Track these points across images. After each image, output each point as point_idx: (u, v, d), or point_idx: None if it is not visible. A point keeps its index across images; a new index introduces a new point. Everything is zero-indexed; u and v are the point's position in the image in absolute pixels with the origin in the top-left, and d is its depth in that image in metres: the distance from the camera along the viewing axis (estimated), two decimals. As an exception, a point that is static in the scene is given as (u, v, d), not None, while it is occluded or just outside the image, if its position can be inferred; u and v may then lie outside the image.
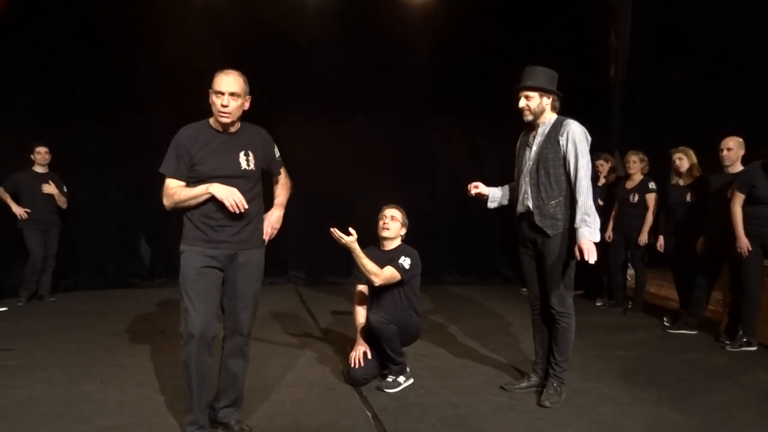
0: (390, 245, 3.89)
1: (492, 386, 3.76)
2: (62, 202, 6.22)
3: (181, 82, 6.78)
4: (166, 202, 2.88)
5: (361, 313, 3.97)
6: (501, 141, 7.32)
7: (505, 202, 3.79)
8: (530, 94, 3.46)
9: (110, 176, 7.00)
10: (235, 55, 6.73)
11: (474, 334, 5.08)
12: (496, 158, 7.34)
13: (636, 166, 5.83)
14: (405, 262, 3.76)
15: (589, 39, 7.17)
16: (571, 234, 3.37)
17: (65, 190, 6.28)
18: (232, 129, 2.91)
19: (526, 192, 3.50)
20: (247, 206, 2.80)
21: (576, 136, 3.36)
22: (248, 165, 2.89)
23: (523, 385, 3.69)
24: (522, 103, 3.48)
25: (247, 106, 2.90)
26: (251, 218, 2.94)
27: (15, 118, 6.26)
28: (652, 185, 5.76)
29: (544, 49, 7.21)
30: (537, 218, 3.44)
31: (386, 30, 7.24)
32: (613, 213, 6.07)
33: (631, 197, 5.85)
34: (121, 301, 6.25)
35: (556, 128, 3.44)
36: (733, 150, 4.85)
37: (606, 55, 6.96)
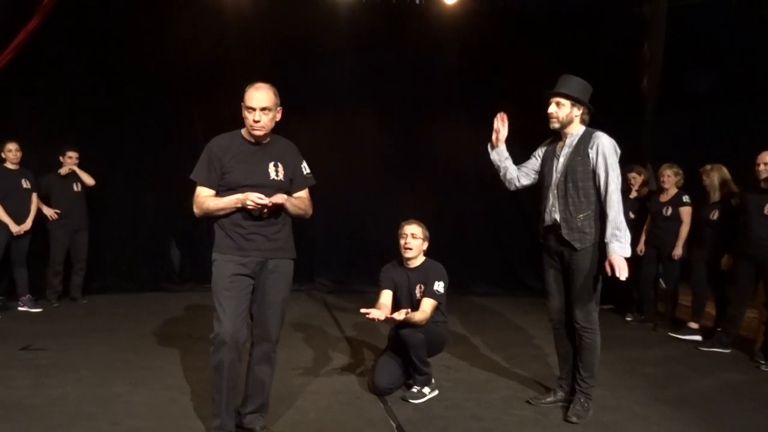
0: (414, 263, 3.83)
1: (517, 400, 3.71)
2: (87, 181, 6.27)
3: (213, 88, 6.93)
4: (196, 210, 2.94)
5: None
6: (530, 149, 7.31)
7: (502, 165, 3.67)
8: (562, 101, 3.41)
9: (143, 180, 7.15)
10: (262, 61, 6.89)
11: (499, 346, 5.03)
12: (521, 163, 7.28)
13: (670, 179, 5.73)
14: (439, 287, 3.70)
15: (621, 49, 7.10)
16: (600, 248, 3.32)
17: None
18: (264, 140, 2.96)
19: (553, 204, 3.44)
20: (267, 200, 2.79)
21: (606, 150, 3.30)
22: (277, 175, 2.93)
23: (549, 399, 3.64)
24: (552, 108, 3.43)
25: (278, 117, 2.95)
26: (280, 226, 2.97)
27: (54, 123, 6.47)
28: (686, 199, 5.65)
29: (576, 58, 7.20)
30: (564, 231, 3.38)
31: (415, 38, 7.27)
32: (645, 226, 5.97)
33: (664, 210, 5.74)
34: (150, 304, 6.36)
35: (585, 140, 3.38)
36: (770, 164, 4.73)
37: (639, 66, 6.88)
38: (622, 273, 3.20)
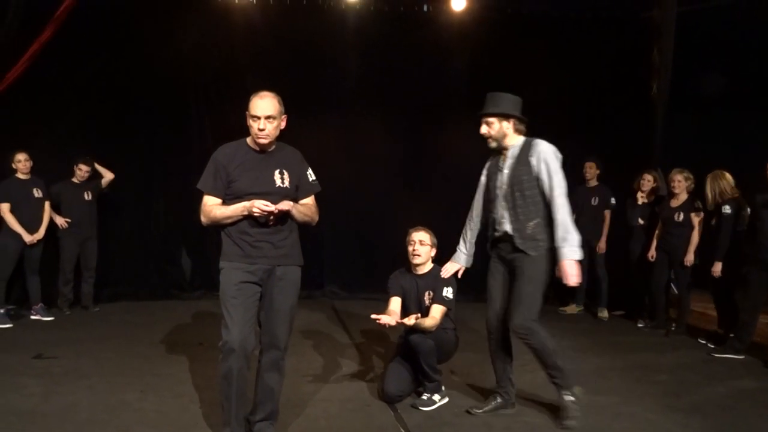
0: (422, 270, 3.86)
1: (528, 407, 3.69)
2: (107, 176, 6.38)
3: (223, 96, 7.01)
4: (203, 218, 2.97)
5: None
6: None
7: (472, 249, 3.77)
8: (490, 119, 3.47)
9: (153, 188, 7.20)
10: (272, 69, 6.93)
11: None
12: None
13: (681, 185, 5.69)
14: (448, 293, 3.72)
15: (631, 54, 7.07)
16: (551, 254, 3.35)
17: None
18: (269, 149, 2.98)
19: (503, 216, 3.47)
20: (273, 207, 2.81)
21: (547, 156, 3.36)
22: (283, 183, 2.95)
23: (488, 407, 3.58)
24: (483, 129, 3.50)
25: (283, 125, 2.98)
26: (287, 233, 2.98)
27: (65, 132, 6.55)
28: (698, 204, 5.62)
29: (585, 63, 7.20)
30: (518, 241, 3.40)
31: (423, 45, 7.28)
32: (657, 232, 5.93)
33: (675, 216, 5.71)
34: (161, 311, 6.39)
35: (526, 150, 3.43)
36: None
37: (648, 71, 6.85)
38: (572, 279, 3.25)
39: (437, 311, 3.66)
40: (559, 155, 3.41)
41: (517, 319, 3.37)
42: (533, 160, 3.38)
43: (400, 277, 3.89)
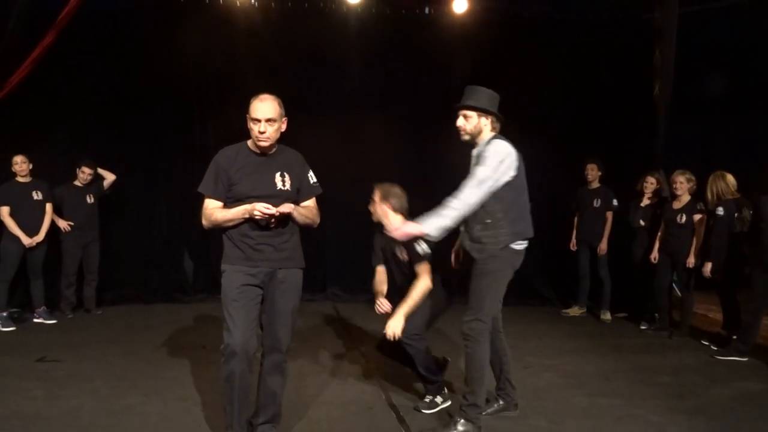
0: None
1: (531, 410, 3.68)
2: (108, 177, 6.41)
3: (225, 99, 7.02)
4: (205, 222, 2.97)
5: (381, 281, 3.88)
6: (538, 157, 7.27)
7: None
8: (468, 113, 3.37)
9: (156, 192, 7.21)
10: (274, 72, 6.95)
11: (513, 355, 4.96)
12: (536, 171, 7.25)
13: (683, 186, 5.68)
14: (421, 246, 3.56)
15: (633, 56, 7.07)
16: (493, 260, 3.26)
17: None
18: (270, 151, 2.98)
19: None
20: (275, 210, 2.81)
21: (487, 152, 3.24)
22: (284, 185, 2.96)
23: (490, 410, 3.56)
24: (460, 122, 3.40)
25: (284, 128, 2.98)
26: (288, 236, 2.98)
27: (68, 136, 6.57)
28: (700, 206, 5.61)
29: (587, 66, 7.20)
30: (466, 243, 3.37)
31: (425, 47, 7.28)
32: (659, 234, 5.92)
33: (678, 218, 5.70)
34: (163, 314, 6.39)
35: (483, 148, 3.33)
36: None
37: (650, 73, 6.84)
38: (394, 232, 3.16)
39: (423, 270, 3.59)
40: (507, 153, 3.25)
41: (465, 316, 3.32)
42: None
43: (379, 240, 3.86)
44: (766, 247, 4.78)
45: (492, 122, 3.40)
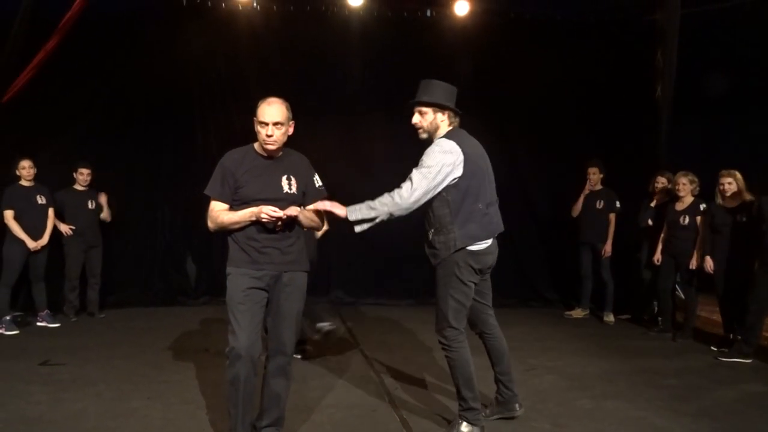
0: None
1: (535, 412, 3.67)
2: (107, 215, 6.43)
3: (228, 102, 7.04)
4: (210, 224, 2.97)
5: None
6: (539, 159, 7.27)
7: None
8: (424, 109, 3.24)
9: (159, 195, 7.23)
10: (276, 75, 6.97)
11: (516, 357, 4.97)
12: (539, 173, 7.27)
13: (686, 188, 5.68)
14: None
15: (635, 57, 7.07)
16: (447, 264, 3.18)
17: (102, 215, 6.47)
18: (277, 154, 2.99)
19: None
20: (282, 213, 2.82)
21: (427, 157, 3.11)
22: (290, 188, 2.96)
23: (493, 416, 3.54)
24: (415, 119, 3.27)
25: (291, 131, 2.99)
26: (294, 239, 2.98)
27: (70, 140, 6.59)
28: (703, 207, 5.60)
29: (589, 67, 7.20)
30: (426, 249, 3.29)
31: (426, 49, 7.27)
32: (662, 235, 5.91)
33: (681, 219, 5.69)
34: (166, 318, 6.39)
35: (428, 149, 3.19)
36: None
37: (652, 74, 6.85)
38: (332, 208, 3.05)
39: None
40: (449, 151, 3.11)
41: (436, 326, 3.28)
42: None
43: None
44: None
45: (449, 117, 3.26)
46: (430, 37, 7.29)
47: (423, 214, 3.26)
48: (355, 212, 3.09)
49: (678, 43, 6.47)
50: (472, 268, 3.21)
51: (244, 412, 2.89)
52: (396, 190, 3.11)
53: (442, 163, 3.10)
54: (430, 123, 3.26)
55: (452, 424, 3.32)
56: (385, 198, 3.11)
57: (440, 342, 3.28)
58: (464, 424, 3.24)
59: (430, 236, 3.24)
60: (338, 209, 3.08)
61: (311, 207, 3.04)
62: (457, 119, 3.31)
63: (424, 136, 3.30)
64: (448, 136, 3.23)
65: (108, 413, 3.54)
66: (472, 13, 7.11)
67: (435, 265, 3.26)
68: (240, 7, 7.05)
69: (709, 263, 5.38)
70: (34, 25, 5.74)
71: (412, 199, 3.09)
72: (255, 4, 7.11)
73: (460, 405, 3.28)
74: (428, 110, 3.25)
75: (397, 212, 3.11)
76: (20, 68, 5.86)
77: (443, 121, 3.27)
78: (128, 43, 6.79)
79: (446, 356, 3.28)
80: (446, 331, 3.24)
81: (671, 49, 6.50)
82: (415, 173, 3.12)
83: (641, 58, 6.99)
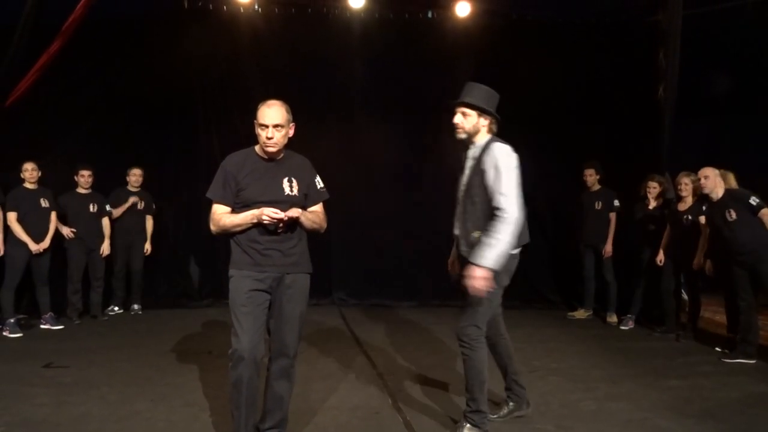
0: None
1: (539, 414, 3.67)
2: (106, 225, 6.48)
3: (230, 105, 7.05)
4: (213, 227, 2.98)
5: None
6: (541, 160, 7.26)
7: None
8: (468, 111, 3.26)
9: (162, 198, 7.23)
10: (278, 77, 6.98)
11: (519, 359, 4.95)
12: (541, 174, 7.25)
13: (688, 188, 5.66)
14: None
15: (637, 58, 7.07)
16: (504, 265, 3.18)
17: (108, 208, 6.50)
18: (278, 157, 2.99)
19: (458, 218, 3.35)
20: (283, 215, 2.82)
21: (497, 158, 3.15)
22: (292, 191, 2.97)
23: (502, 413, 3.55)
24: (458, 119, 3.28)
25: (291, 133, 2.99)
26: (296, 241, 2.99)
27: (73, 143, 6.61)
28: (706, 208, 5.57)
29: (591, 68, 7.19)
30: (463, 248, 3.27)
31: (428, 51, 7.31)
32: (665, 237, 5.89)
33: (683, 220, 5.68)
34: (170, 320, 6.40)
35: (484, 153, 3.24)
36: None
37: (655, 75, 6.84)
38: (473, 284, 3.07)
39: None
40: (515, 157, 3.19)
41: (460, 321, 3.28)
42: (487, 165, 3.18)
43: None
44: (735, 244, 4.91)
45: (490, 123, 3.31)
46: (432, 39, 7.30)
47: (465, 214, 3.27)
48: (489, 260, 3.05)
49: (680, 44, 6.46)
50: (510, 271, 3.26)
51: (247, 414, 2.88)
52: (497, 213, 3.08)
53: (514, 164, 3.17)
54: (473, 126, 3.28)
55: (458, 425, 3.31)
56: (495, 226, 3.07)
57: (461, 340, 3.27)
58: (468, 426, 3.24)
59: (476, 235, 3.20)
60: (474, 274, 3.03)
61: None
62: (496, 127, 3.35)
63: (462, 136, 3.32)
64: (495, 139, 3.27)
65: (111, 416, 3.54)
66: (474, 15, 7.12)
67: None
68: (241, 10, 7.08)
69: (708, 266, 5.39)
70: (38, 28, 5.76)
71: (514, 206, 3.09)
72: (256, 7, 7.14)
73: (468, 406, 3.27)
74: (472, 113, 3.27)
75: (514, 227, 3.09)
76: (24, 71, 5.88)
77: (484, 126, 3.30)
78: (130, 46, 6.81)
79: (465, 355, 3.27)
80: (470, 329, 3.24)
81: (673, 50, 6.49)
82: (499, 183, 3.10)
83: (643, 60, 6.98)
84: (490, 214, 3.15)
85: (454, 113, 3.31)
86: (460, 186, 3.38)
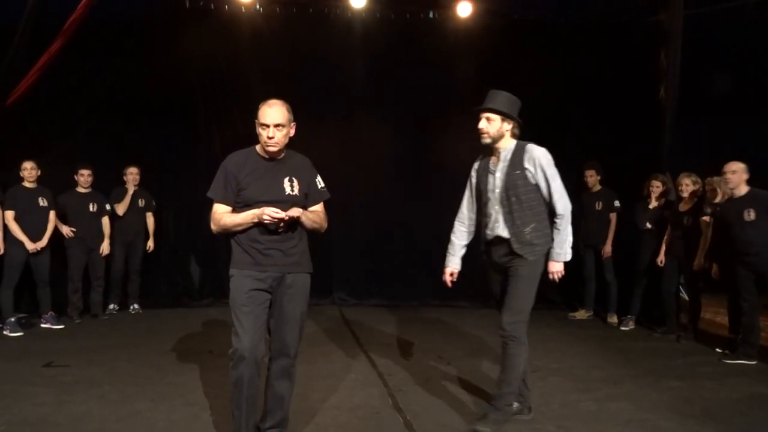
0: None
1: (539, 414, 3.66)
2: (106, 224, 6.48)
3: (231, 105, 7.05)
4: (213, 226, 2.98)
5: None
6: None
7: (462, 252, 3.70)
8: (492, 116, 3.42)
9: (162, 197, 7.23)
10: (279, 77, 6.98)
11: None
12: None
13: (689, 188, 5.66)
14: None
15: (638, 59, 7.06)
16: (540, 261, 3.41)
17: (108, 208, 6.50)
18: (279, 156, 2.99)
19: (496, 220, 3.44)
20: (284, 214, 2.82)
21: (542, 161, 3.36)
22: (292, 190, 2.96)
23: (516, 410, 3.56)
24: (482, 124, 3.43)
25: (292, 133, 2.99)
26: (296, 240, 2.99)
27: (73, 142, 6.61)
28: (706, 208, 5.57)
29: (592, 68, 7.19)
30: (515, 246, 3.38)
31: (429, 51, 7.30)
32: (666, 237, 5.89)
33: (684, 220, 5.67)
34: (170, 320, 6.40)
35: (520, 154, 3.41)
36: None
37: (656, 75, 6.84)
38: (556, 275, 3.45)
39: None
40: (551, 158, 3.41)
41: (507, 317, 3.37)
42: (529, 166, 3.36)
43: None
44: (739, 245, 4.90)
45: (513, 128, 3.46)
46: (433, 39, 7.29)
47: (511, 213, 3.39)
48: (565, 255, 3.42)
49: (681, 44, 6.46)
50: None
51: (247, 413, 2.89)
52: (558, 211, 3.36)
53: (553, 162, 3.39)
54: (497, 130, 3.42)
55: (486, 414, 3.39)
56: (559, 224, 3.38)
57: (510, 335, 3.35)
58: (500, 413, 3.34)
59: (528, 232, 3.36)
60: (558, 268, 3.45)
61: None
62: (518, 131, 3.49)
63: (487, 141, 3.46)
64: (526, 142, 3.47)
65: (112, 415, 3.54)
66: (475, 15, 7.12)
67: (532, 261, 3.37)
68: (243, 10, 7.08)
69: (714, 269, 5.39)
70: (38, 28, 5.76)
71: (569, 202, 3.39)
72: (257, 7, 7.14)
73: (500, 401, 3.36)
74: (496, 118, 3.41)
75: (570, 217, 3.41)
76: (24, 71, 5.88)
77: (507, 131, 3.45)
78: (131, 45, 6.81)
79: (511, 350, 3.36)
80: (521, 325, 3.35)
81: (674, 50, 6.49)
82: (554, 183, 3.36)
83: (644, 60, 6.98)
84: (539, 209, 3.38)
85: (478, 119, 3.46)
86: (486, 189, 3.50)
